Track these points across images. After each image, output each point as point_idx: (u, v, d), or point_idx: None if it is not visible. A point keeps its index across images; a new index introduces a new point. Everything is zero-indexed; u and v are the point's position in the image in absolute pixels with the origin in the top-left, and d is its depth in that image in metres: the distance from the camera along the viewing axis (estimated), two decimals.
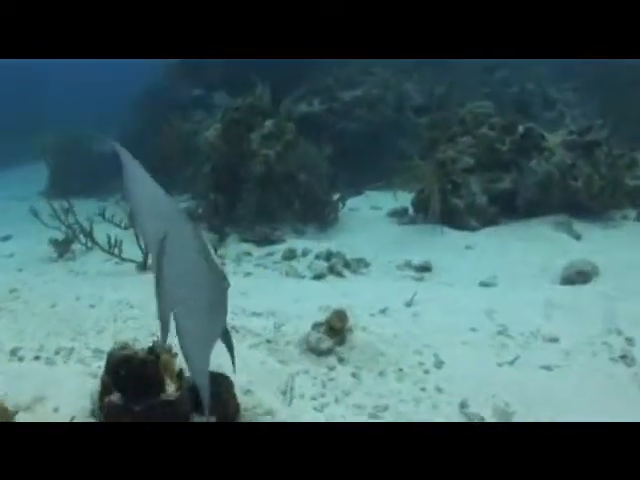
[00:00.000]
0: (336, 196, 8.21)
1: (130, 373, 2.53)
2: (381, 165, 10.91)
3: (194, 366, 2.22)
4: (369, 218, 8.38)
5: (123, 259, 6.41)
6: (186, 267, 2.06)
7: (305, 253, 6.74)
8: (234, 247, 7.19)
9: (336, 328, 3.72)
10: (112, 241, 6.49)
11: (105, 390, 2.65)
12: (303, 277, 5.93)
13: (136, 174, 2.11)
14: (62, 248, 7.34)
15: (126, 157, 2.11)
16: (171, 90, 13.35)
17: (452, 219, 7.33)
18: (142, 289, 5.34)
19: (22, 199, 12.63)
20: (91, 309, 4.69)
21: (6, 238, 8.61)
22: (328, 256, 6.44)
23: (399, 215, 8.29)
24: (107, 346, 3.90)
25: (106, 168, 13.60)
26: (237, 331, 4.05)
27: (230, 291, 2.24)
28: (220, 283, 2.11)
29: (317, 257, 6.56)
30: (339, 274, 5.88)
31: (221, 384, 2.69)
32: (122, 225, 7.07)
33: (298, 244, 7.16)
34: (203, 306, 2.11)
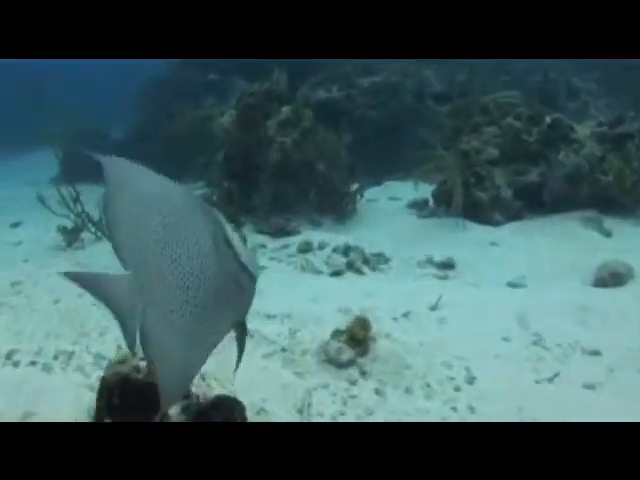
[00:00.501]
0: (355, 187, 7.82)
1: (126, 398, 2.19)
2: (400, 154, 10.51)
3: (163, 374, 1.84)
4: (388, 209, 7.99)
5: None
6: (197, 259, 1.81)
7: (322, 246, 6.37)
8: (249, 238, 6.83)
9: (358, 338, 3.37)
10: None
11: (99, 415, 2.31)
12: (320, 273, 5.57)
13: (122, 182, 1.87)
14: (71, 237, 7.04)
15: (108, 165, 1.88)
16: (184, 75, 12.99)
17: (475, 213, 6.93)
18: None
19: (34, 184, 12.35)
20: (94, 307, 4.36)
21: (15, 225, 8.32)
22: (346, 250, 6.07)
23: (419, 207, 7.89)
24: (109, 351, 3.59)
25: (119, 154, 13.38)
26: (252, 336, 3.71)
27: None
28: (241, 275, 1.89)
29: (334, 251, 6.19)
30: (358, 271, 5.51)
31: (234, 409, 2.35)
32: None
33: (314, 236, 6.79)
34: (205, 305, 1.82)
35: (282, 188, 7.51)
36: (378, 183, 8.46)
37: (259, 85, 7.67)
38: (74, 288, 3.75)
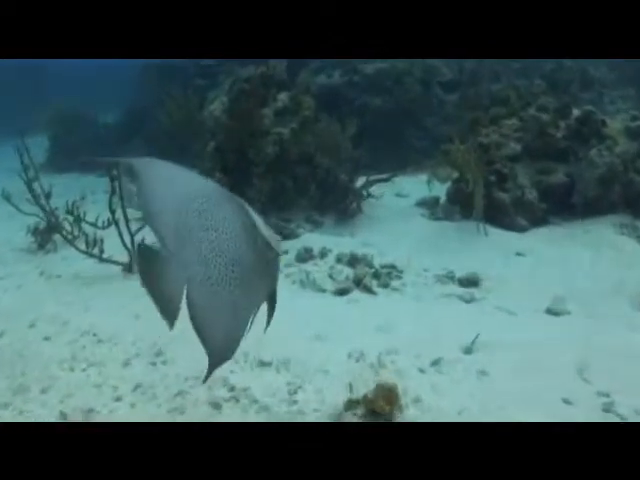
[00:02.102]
0: (360, 182, 6.79)
1: None
2: (406, 146, 9.51)
3: (211, 339, 1.96)
4: (395, 208, 6.97)
5: (104, 260, 5.06)
6: (225, 245, 1.95)
7: (324, 253, 5.38)
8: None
9: (382, 412, 2.39)
10: (92, 238, 5.11)
11: None
12: (323, 291, 4.57)
13: (153, 177, 2.02)
14: (42, 238, 6.02)
15: (140, 166, 2.04)
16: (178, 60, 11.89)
17: (496, 216, 5.93)
18: (121, 308, 4.00)
19: (18, 172, 11.35)
20: (45, 343, 3.38)
21: None
22: (352, 260, 5.08)
23: (429, 206, 6.88)
24: (51, 416, 2.61)
25: (109, 140, 12.44)
26: (237, 400, 2.72)
27: None
28: (267, 252, 1.99)
29: (338, 260, 5.20)
30: (368, 289, 4.51)
31: None
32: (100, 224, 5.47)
33: (315, 240, 5.80)
34: (242, 278, 1.95)
35: (279, 184, 6.49)
36: (386, 180, 7.39)
37: (254, 69, 6.61)
38: (29, 312, 3.20)
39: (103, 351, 3.32)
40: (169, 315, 1.97)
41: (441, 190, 6.85)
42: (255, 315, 2.04)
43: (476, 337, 3.34)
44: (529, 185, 6.10)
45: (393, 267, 4.99)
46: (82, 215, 5.42)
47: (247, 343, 2.09)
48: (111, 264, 5.03)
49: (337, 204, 6.56)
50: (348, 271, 4.94)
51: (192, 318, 1.95)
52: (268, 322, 2.18)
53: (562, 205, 6.07)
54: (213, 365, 1.98)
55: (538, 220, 5.99)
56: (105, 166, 9.87)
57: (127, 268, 5.13)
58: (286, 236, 5.90)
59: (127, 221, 5.09)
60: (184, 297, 1.95)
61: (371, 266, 4.99)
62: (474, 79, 9.81)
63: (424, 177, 7.73)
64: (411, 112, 9.68)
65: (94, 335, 3.51)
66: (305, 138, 6.57)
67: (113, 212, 5.06)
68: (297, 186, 6.59)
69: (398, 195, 7.57)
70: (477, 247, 5.48)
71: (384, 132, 9.30)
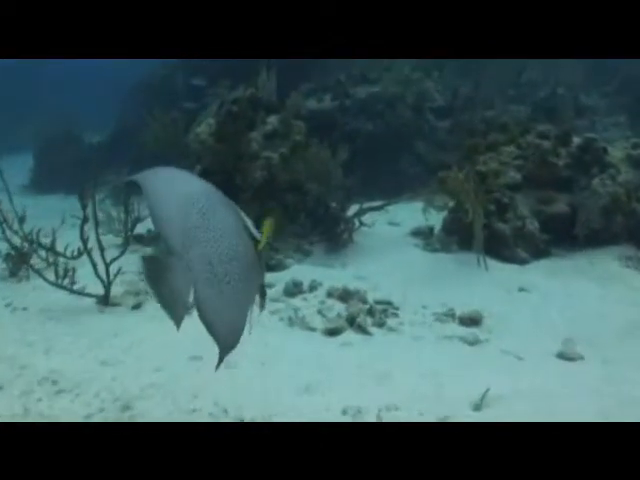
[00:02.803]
0: (350, 210, 6.38)
1: None
2: (398, 173, 9.15)
3: (220, 331, 2.04)
4: (388, 237, 6.56)
5: (74, 292, 4.59)
6: (222, 244, 2.04)
7: (313, 287, 4.94)
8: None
9: None
10: (63, 268, 4.64)
11: None
12: (313, 330, 4.12)
13: (161, 186, 2.09)
14: (14, 265, 5.54)
15: (143, 179, 2.10)
16: (169, 80, 11.55)
17: (495, 248, 5.53)
18: (88, 350, 3.54)
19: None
20: None
21: None
22: (344, 295, 4.65)
23: (424, 235, 6.47)
24: None
25: (94, 160, 12.01)
26: None
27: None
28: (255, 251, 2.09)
29: (329, 294, 4.77)
30: (362, 329, 4.07)
31: None
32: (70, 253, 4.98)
33: (304, 272, 5.37)
34: (238, 272, 2.04)
35: (266, 212, 6.06)
36: (379, 208, 6.95)
37: (242, 90, 6.22)
38: None
39: (62, 404, 2.86)
40: (177, 316, 2.05)
41: (436, 219, 6.47)
42: (253, 306, 2.11)
43: (486, 392, 2.90)
44: (530, 215, 5.72)
45: (389, 303, 4.56)
46: (50, 243, 4.94)
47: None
48: (85, 296, 4.58)
49: (328, 233, 6.15)
50: (340, 307, 4.50)
51: (201, 315, 2.03)
52: (261, 310, 2.25)
53: (564, 236, 5.70)
54: (223, 354, 2.06)
55: (539, 252, 5.60)
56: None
57: (102, 301, 4.68)
58: (273, 267, 5.47)
59: (102, 250, 4.64)
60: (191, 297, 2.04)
61: (365, 301, 4.56)
62: (467, 105, 9.49)
63: (417, 205, 7.38)
64: (403, 138, 9.33)
65: (54, 383, 3.05)
66: (295, 164, 6.17)
67: (85, 241, 4.61)
68: (286, 213, 6.18)
69: (391, 223, 7.17)
70: (477, 281, 5.06)
71: (375, 158, 8.95)
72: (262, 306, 2.20)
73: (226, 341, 2.06)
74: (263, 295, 2.22)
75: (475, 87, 9.70)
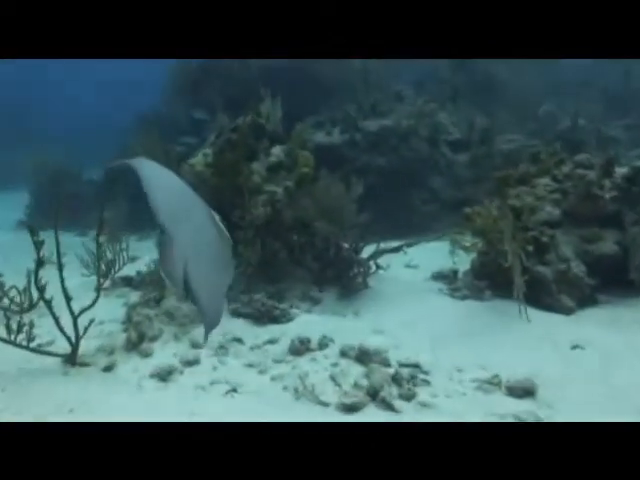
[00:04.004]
0: (364, 251, 5.48)
1: None
2: (413, 210, 8.29)
3: (204, 304, 2.29)
4: (407, 282, 5.64)
5: (34, 351, 3.68)
6: (200, 233, 2.28)
7: (324, 344, 4.03)
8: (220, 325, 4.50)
9: None
10: (18, 322, 3.71)
11: None
12: (325, 406, 3.17)
13: (152, 176, 2.32)
14: None
15: (140, 165, 2.33)
16: (170, 113, 10.83)
17: (535, 294, 4.59)
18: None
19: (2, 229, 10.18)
20: None
21: None
22: (361, 355, 3.73)
23: (448, 279, 5.56)
24: None
25: (94, 197, 11.29)
26: None
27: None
28: (226, 242, 2.31)
29: (343, 354, 3.86)
30: (387, 404, 3.12)
31: None
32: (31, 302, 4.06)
33: (313, 324, 4.47)
34: (213, 259, 2.28)
35: (270, 252, 5.17)
36: (398, 249, 6.03)
37: (243, 117, 5.40)
38: None
39: None
40: (178, 287, 2.25)
41: (460, 261, 5.56)
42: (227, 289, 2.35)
43: None
44: (573, 256, 4.80)
45: (416, 366, 3.63)
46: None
47: None
48: (47, 354, 3.67)
49: (339, 277, 5.23)
50: (357, 370, 3.57)
51: (190, 292, 2.25)
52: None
53: (613, 280, 4.76)
54: (208, 329, 2.26)
55: (587, 299, 4.67)
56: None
57: (69, 360, 3.77)
58: (276, 319, 4.55)
59: (68, 299, 3.74)
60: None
61: (387, 364, 3.63)
62: (484, 138, 8.66)
63: (434, 245, 6.52)
64: (417, 172, 8.50)
65: None
66: (302, 199, 5.30)
67: (41, 289, 3.70)
68: (292, 255, 5.28)
69: (407, 266, 6.26)
70: (520, 336, 4.12)
71: (386, 194, 8.10)
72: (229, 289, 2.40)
73: (210, 318, 2.28)
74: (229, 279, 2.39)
75: (492, 120, 8.89)
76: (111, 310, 5.01)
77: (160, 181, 2.31)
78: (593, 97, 10.75)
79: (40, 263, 3.50)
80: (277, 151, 5.55)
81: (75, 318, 3.73)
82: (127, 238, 5.16)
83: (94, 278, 5.98)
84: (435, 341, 4.05)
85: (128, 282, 5.95)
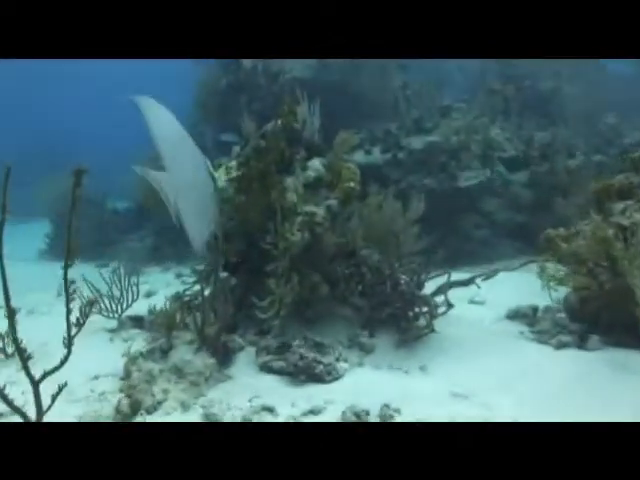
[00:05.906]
0: (427, 286, 4.23)
1: None
2: (466, 237, 7.07)
3: (193, 233, 2.68)
4: (476, 323, 4.37)
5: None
6: (193, 171, 2.65)
7: (387, 415, 2.79)
8: (241, 385, 3.29)
9: None
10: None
11: None
12: None
13: (156, 119, 2.65)
14: None
15: (146, 106, 2.65)
16: (198, 135, 9.90)
17: None
18: None
19: (22, 259, 9.19)
20: None
21: None
22: None
23: (527, 319, 4.29)
24: None
25: (116, 227, 10.40)
26: None
27: None
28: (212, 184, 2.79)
29: None
30: None
31: None
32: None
33: (367, 382, 3.27)
34: (202, 194, 2.65)
35: (307, 287, 3.97)
36: (468, 282, 4.72)
37: (274, 121, 4.25)
38: None
39: None
40: (174, 214, 2.66)
41: (536, 295, 4.33)
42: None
43: None
44: None
45: None
46: None
47: None
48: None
49: (396, 319, 3.98)
50: None
51: (181, 220, 2.57)
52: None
53: None
54: (197, 248, 2.67)
55: None
56: None
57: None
58: (317, 376, 3.33)
59: (24, 359, 2.53)
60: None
61: None
62: (545, 154, 7.40)
63: (501, 276, 5.27)
64: (469, 194, 7.28)
65: None
66: (347, 221, 4.11)
67: (16, 340, 2.52)
68: (335, 291, 4.07)
69: (472, 302, 5.01)
70: None
71: (434, 218, 6.91)
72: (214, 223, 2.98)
73: (197, 239, 2.67)
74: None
75: (553, 135, 7.65)
76: (111, 360, 3.88)
77: (162, 119, 2.62)
78: None
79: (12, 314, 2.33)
80: (316, 164, 4.38)
81: (35, 384, 2.52)
82: (149, 270, 4.34)
83: (100, 317, 4.91)
84: (546, 411, 2.78)
85: (138, 322, 4.82)
